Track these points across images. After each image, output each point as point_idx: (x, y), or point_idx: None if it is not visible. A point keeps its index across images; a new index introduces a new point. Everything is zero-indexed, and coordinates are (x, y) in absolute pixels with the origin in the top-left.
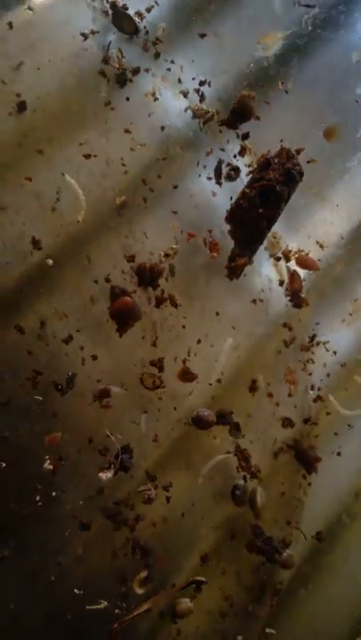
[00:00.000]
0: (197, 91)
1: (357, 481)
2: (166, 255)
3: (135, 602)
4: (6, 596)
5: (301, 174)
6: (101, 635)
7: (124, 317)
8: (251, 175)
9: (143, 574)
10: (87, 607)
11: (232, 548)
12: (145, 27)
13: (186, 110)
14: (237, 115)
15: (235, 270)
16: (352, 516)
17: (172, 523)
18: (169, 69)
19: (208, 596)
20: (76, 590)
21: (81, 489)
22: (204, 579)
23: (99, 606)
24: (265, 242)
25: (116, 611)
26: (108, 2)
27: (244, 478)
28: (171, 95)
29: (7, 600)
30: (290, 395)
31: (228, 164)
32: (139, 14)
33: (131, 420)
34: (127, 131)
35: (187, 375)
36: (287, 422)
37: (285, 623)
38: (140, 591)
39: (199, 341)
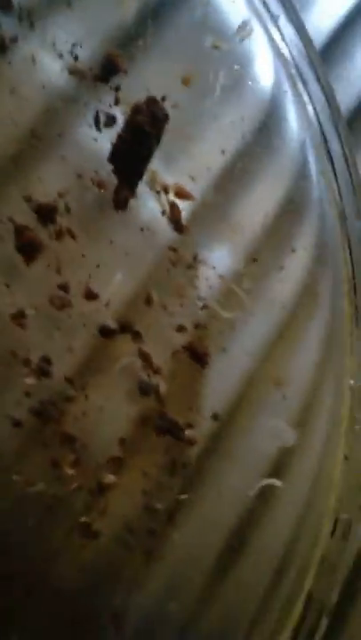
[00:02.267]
0: (71, 53)
1: (245, 367)
2: (60, 195)
3: (67, 481)
4: None
5: (167, 117)
6: (40, 511)
7: (29, 250)
8: (125, 121)
9: (72, 458)
10: (26, 490)
11: (145, 433)
12: (19, 2)
13: (63, 70)
14: (107, 70)
15: (120, 202)
16: (240, 399)
17: (92, 415)
18: (44, 36)
19: (128, 473)
20: (15, 477)
21: (10, 394)
22: (120, 455)
23: (37, 488)
24: (146, 178)
25: (52, 491)
26: None
27: (148, 375)
28: (48, 58)
29: None
30: (181, 305)
31: (105, 113)
32: None
33: (46, 336)
34: (12, 91)
35: (90, 295)
36: (181, 328)
37: (195, 489)
38: (70, 472)
39: (98, 266)
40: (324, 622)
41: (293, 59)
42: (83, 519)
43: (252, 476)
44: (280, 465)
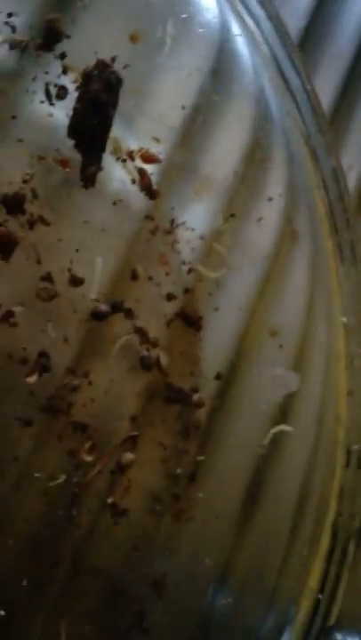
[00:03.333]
0: (7, 23)
1: (239, 323)
2: (25, 181)
3: (87, 468)
4: None
5: (120, 80)
6: (67, 501)
7: (3, 245)
8: (78, 90)
9: (87, 445)
10: (50, 484)
11: (154, 406)
12: None
13: (2, 45)
14: (49, 38)
15: (88, 178)
16: (238, 355)
17: (99, 400)
18: None
19: (145, 446)
20: (36, 474)
21: (14, 396)
22: (135, 433)
23: (59, 480)
24: (109, 147)
25: (75, 479)
26: None
27: (147, 350)
28: None
29: None
30: (167, 274)
31: (55, 85)
32: None
33: (39, 330)
34: None
35: (75, 281)
36: (171, 296)
37: (210, 448)
38: (89, 458)
39: (77, 250)
40: (352, 548)
41: None
42: (110, 500)
43: (262, 425)
44: (287, 410)
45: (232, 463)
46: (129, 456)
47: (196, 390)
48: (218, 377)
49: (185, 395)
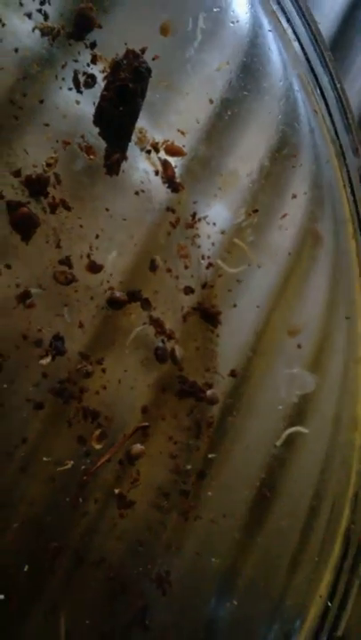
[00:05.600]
0: (40, 11)
1: (257, 320)
2: (49, 165)
3: (96, 456)
4: None
5: (149, 70)
6: (74, 488)
7: (25, 226)
8: (106, 79)
9: (97, 432)
10: (57, 469)
11: (166, 398)
12: None
13: (34, 30)
14: (81, 27)
15: (112, 167)
16: (255, 352)
17: (112, 388)
18: None
19: (155, 439)
20: (44, 458)
21: (27, 377)
22: (146, 423)
23: (67, 467)
24: (134, 138)
25: (82, 467)
26: None
27: (162, 341)
28: (16, 19)
29: None
30: (186, 267)
31: (84, 73)
32: None
33: (55, 313)
34: None
35: (94, 267)
36: (188, 290)
37: (222, 446)
38: (98, 446)
39: (97, 236)
40: None
41: None
42: (117, 490)
43: (276, 425)
44: (303, 411)
45: (244, 463)
46: (138, 447)
47: (210, 386)
48: (233, 374)
49: (199, 390)
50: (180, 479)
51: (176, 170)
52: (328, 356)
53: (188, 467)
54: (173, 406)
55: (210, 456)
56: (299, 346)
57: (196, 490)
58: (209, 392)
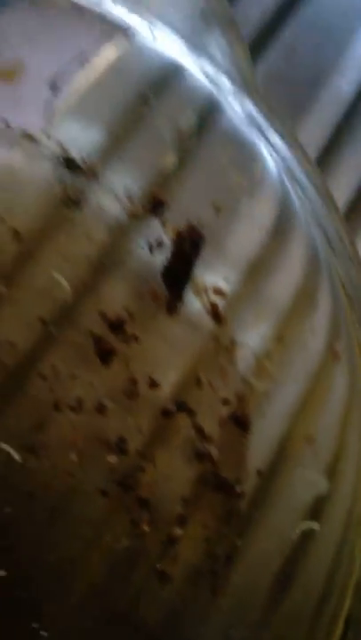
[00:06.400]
0: (126, 195)
1: (281, 429)
2: (125, 308)
3: (145, 537)
4: None
5: (204, 239)
6: (127, 562)
7: (105, 355)
8: (171, 248)
9: (147, 517)
10: (115, 546)
11: (202, 491)
12: (82, 159)
13: (122, 211)
14: (154, 206)
15: (172, 309)
16: (278, 456)
17: (160, 482)
18: (105, 184)
19: (192, 525)
20: (105, 537)
21: (98, 471)
22: (186, 512)
23: (124, 544)
24: (189, 285)
25: (134, 545)
26: None
27: (202, 444)
28: (109, 202)
29: None
30: (224, 383)
31: (156, 240)
32: None
33: (121, 420)
34: (87, 236)
35: (153, 384)
36: (226, 401)
37: (247, 534)
38: (146, 529)
39: (157, 360)
40: None
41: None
42: (158, 566)
43: (293, 520)
44: (316, 510)
45: (264, 551)
46: (178, 531)
47: (239, 482)
48: (259, 473)
49: (230, 485)
50: (211, 560)
51: (220, 307)
52: (342, 461)
53: (219, 551)
54: (209, 498)
55: (237, 543)
56: (315, 451)
57: (224, 571)
58: (238, 487)
